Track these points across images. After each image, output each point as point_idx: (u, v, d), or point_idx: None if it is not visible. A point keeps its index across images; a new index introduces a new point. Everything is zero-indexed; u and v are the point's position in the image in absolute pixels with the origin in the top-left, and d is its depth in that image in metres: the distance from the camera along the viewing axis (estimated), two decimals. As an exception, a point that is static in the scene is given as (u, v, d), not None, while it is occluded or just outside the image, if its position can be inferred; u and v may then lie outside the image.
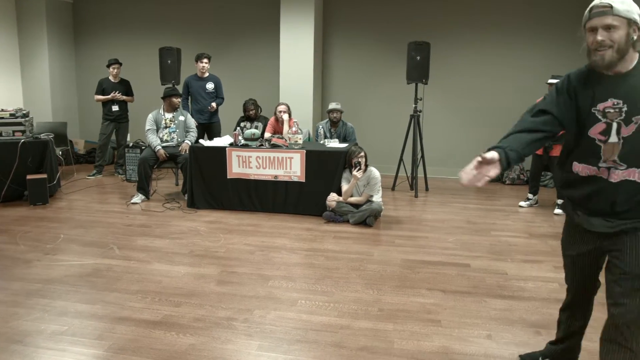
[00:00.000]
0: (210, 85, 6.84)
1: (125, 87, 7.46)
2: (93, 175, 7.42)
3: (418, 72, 6.45)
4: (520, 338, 2.69)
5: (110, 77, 7.37)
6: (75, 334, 2.69)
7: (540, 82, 7.30)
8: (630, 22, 1.75)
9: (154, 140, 5.95)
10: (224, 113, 7.42)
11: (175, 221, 5.09)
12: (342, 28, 8.10)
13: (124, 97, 7.38)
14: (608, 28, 1.75)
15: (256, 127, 6.51)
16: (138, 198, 5.86)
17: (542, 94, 6.24)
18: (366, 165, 5.05)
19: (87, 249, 4.17)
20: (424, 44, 6.44)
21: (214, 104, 6.79)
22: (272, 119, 6.45)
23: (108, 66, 7.36)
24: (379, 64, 8.04)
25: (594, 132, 1.86)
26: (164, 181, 7.32)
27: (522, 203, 5.95)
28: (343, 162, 5.21)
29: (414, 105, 6.61)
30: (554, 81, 5.51)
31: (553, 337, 2.45)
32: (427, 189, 6.90)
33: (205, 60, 6.75)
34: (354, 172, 4.96)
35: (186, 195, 5.73)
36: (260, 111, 6.83)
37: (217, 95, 6.92)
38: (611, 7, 1.74)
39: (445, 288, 3.40)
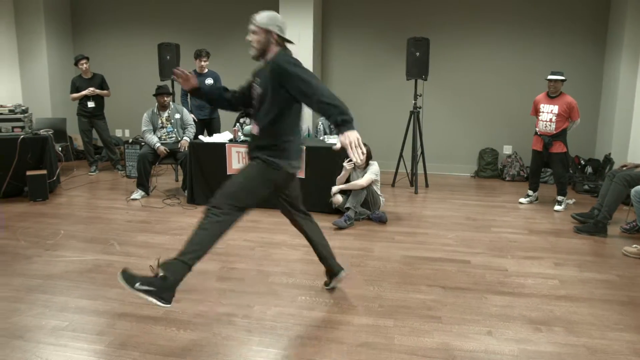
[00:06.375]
0: (209, 81, 6.82)
1: (99, 81, 7.33)
2: (94, 172, 7.40)
3: (418, 68, 6.44)
4: (520, 334, 2.70)
5: (82, 74, 7.26)
6: (76, 330, 2.70)
7: (539, 77, 7.30)
8: (268, 31, 2.65)
9: (152, 139, 5.93)
10: (224, 109, 7.41)
11: (175, 217, 5.09)
12: (341, 24, 8.08)
13: (100, 92, 7.26)
14: (253, 33, 2.67)
15: (256, 123, 6.49)
16: (138, 194, 5.86)
17: (542, 90, 6.23)
18: (369, 159, 5.04)
19: (88, 244, 4.17)
20: (423, 40, 6.43)
21: (213, 100, 6.77)
22: (271, 115, 6.43)
23: (75, 64, 7.18)
24: (378, 60, 8.03)
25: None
26: (164, 177, 7.32)
27: (522, 199, 5.95)
28: (343, 158, 5.21)
29: (413, 102, 6.61)
30: (554, 77, 5.46)
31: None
32: (427, 185, 6.90)
33: (204, 58, 6.73)
34: (344, 164, 4.98)
35: (186, 191, 5.73)
36: (260, 107, 6.81)
37: (217, 91, 6.90)
38: (255, 19, 2.66)
39: (446, 284, 3.41)
